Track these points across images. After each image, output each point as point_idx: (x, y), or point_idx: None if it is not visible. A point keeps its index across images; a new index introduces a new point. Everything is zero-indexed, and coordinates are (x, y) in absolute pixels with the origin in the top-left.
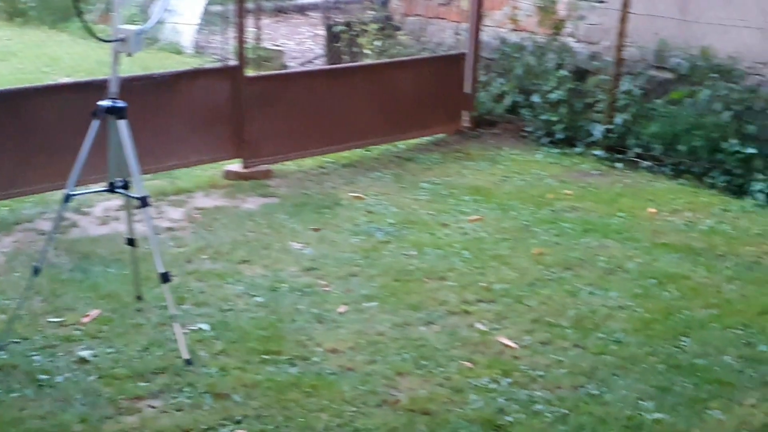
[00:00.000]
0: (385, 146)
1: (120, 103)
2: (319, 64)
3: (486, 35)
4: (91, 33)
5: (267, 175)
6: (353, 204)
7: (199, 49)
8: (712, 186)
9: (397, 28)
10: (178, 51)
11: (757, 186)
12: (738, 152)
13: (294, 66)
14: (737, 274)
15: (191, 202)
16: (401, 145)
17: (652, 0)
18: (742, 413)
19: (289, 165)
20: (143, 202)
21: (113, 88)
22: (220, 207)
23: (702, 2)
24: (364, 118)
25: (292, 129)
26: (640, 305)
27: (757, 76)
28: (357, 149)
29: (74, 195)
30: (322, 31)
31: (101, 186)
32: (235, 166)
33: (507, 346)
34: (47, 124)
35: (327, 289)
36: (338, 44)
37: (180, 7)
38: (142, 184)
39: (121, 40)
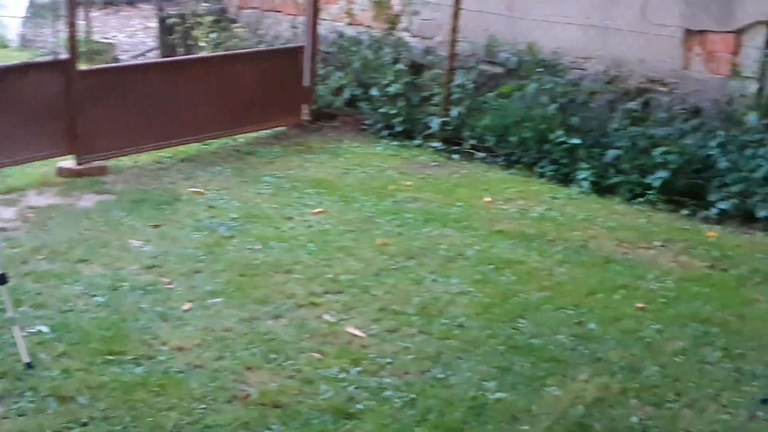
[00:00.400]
0: (224, 140)
1: None
2: (153, 57)
3: (323, 29)
4: None
5: (102, 171)
6: (193, 199)
7: (26, 43)
8: (542, 175)
9: (233, 21)
10: (3, 45)
11: (582, 174)
12: (563, 143)
13: (126, 59)
14: (567, 258)
15: (24, 201)
16: (241, 138)
17: None
18: (576, 388)
19: (125, 161)
20: None
21: None
22: (54, 205)
23: (528, 0)
24: (202, 111)
25: (127, 123)
26: (480, 290)
27: (578, 71)
28: (195, 143)
29: None
30: (154, 24)
31: None
32: (68, 162)
33: (355, 335)
34: None
35: (170, 286)
36: (172, 37)
37: None
38: None
39: None
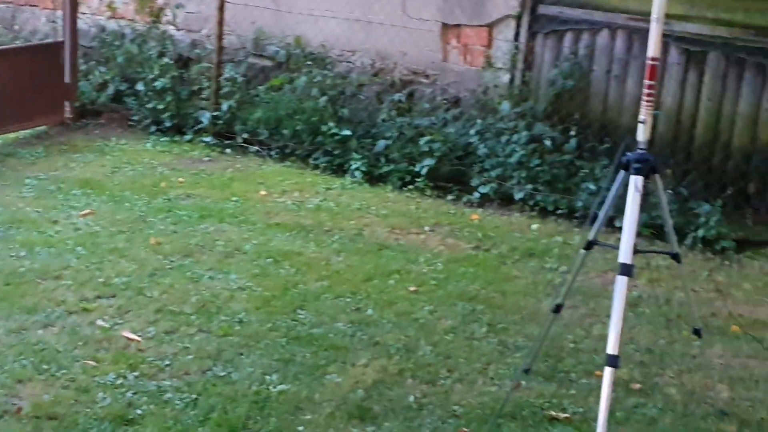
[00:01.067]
0: None
1: None
2: None
3: (83, 23)
4: None
5: None
6: None
7: None
8: (316, 167)
9: None
10: None
11: (354, 165)
12: (335, 134)
13: None
14: (343, 247)
15: None
16: None
17: None
18: (356, 373)
19: None
20: None
21: None
22: None
23: None
24: None
25: None
26: (259, 284)
27: (346, 63)
28: None
29: None
30: None
31: None
32: None
33: (131, 339)
34: None
35: None
36: None
37: None
38: None
39: None
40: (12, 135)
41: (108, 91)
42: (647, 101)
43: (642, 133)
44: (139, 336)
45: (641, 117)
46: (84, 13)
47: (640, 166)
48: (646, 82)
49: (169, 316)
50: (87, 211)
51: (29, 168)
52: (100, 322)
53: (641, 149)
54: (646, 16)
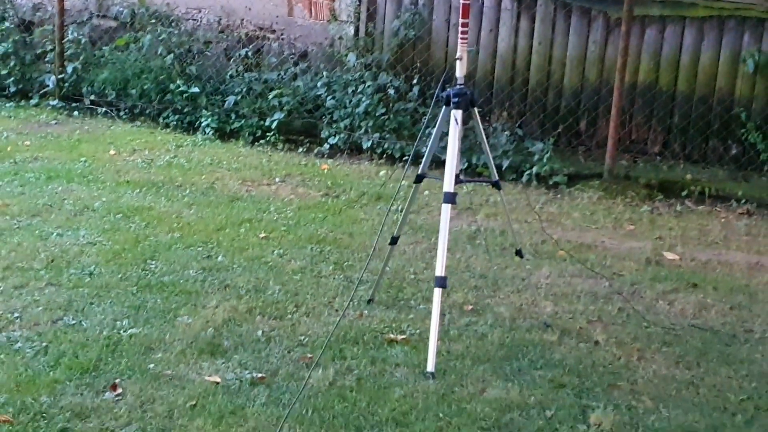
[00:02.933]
0: None
1: None
2: None
3: None
4: None
5: None
6: None
7: None
8: (167, 126)
9: None
10: None
11: (205, 122)
12: (184, 92)
13: None
14: (194, 201)
15: None
16: None
17: None
18: (206, 314)
19: None
20: None
21: None
22: None
23: None
24: None
25: None
26: (110, 239)
27: (192, 21)
28: None
29: None
30: None
31: None
32: None
33: None
34: None
35: None
36: None
37: None
38: None
39: None
40: None
41: None
42: (462, 39)
43: (459, 70)
44: None
45: (458, 54)
46: None
47: (459, 100)
48: (461, 20)
49: (17, 273)
50: None
51: None
52: None
53: (460, 85)
54: None
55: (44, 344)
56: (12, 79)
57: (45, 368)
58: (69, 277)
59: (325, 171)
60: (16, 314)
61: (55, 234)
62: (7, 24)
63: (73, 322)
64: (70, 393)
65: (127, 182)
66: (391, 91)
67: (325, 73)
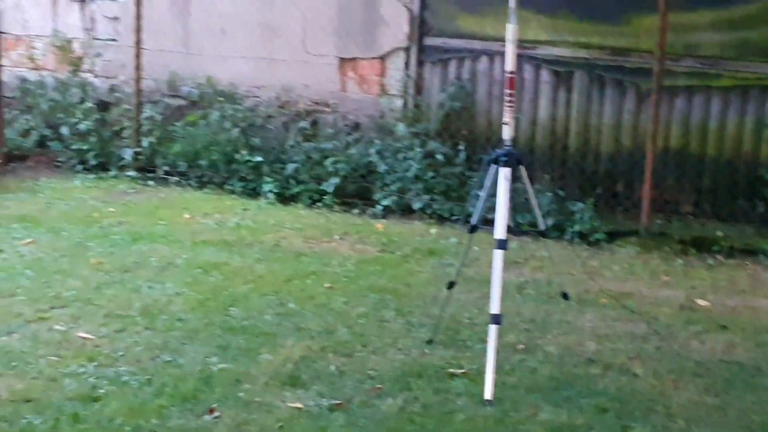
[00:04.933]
0: None
1: None
2: None
3: (4, 75)
4: None
5: None
6: None
7: None
8: (233, 192)
9: None
10: None
11: (267, 187)
12: (248, 161)
13: None
14: (263, 257)
15: None
16: None
17: (159, 37)
18: (284, 352)
19: None
20: None
21: None
22: None
23: (201, 37)
24: None
25: None
26: (193, 290)
27: (254, 98)
28: None
29: None
30: None
31: None
32: None
33: (86, 338)
34: None
35: None
36: None
37: None
38: None
39: None
40: None
41: (33, 137)
42: (509, 106)
43: (506, 133)
44: (93, 336)
45: (505, 119)
46: (4, 66)
47: (507, 159)
48: (506, 91)
49: (117, 319)
50: (29, 240)
51: None
52: (57, 327)
53: (507, 146)
54: (517, 42)
55: (147, 377)
56: (93, 153)
57: (151, 397)
58: (162, 323)
59: (380, 230)
60: (120, 353)
61: (145, 286)
62: (88, 104)
63: (170, 359)
64: (175, 416)
65: (203, 242)
66: (439, 157)
67: (376, 141)
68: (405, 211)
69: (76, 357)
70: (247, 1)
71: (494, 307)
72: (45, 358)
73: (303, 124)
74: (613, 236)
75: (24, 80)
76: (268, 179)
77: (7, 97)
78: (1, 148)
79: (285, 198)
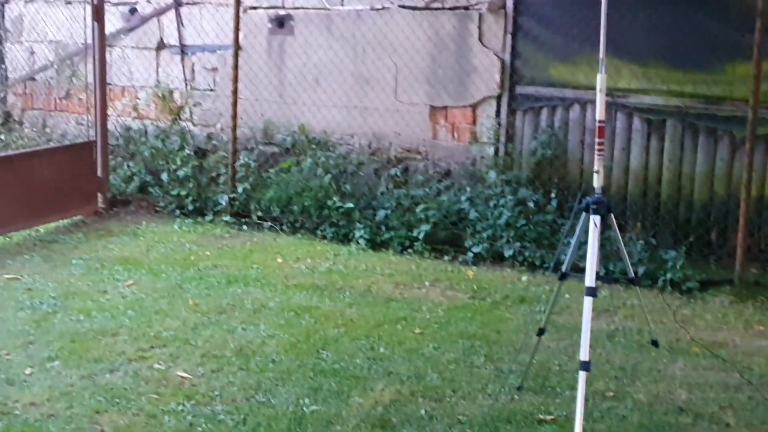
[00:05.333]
0: (26, 232)
1: None
2: None
3: (110, 124)
4: None
5: None
6: (10, 285)
7: None
8: (324, 237)
9: (19, 122)
10: None
11: (359, 233)
12: (340, 207)
13: None
14: (354, 301)
15: None
16: (41, 229)
17: (256, 86)
18: (375, 396)
19: None
20: None
21: None
22: None
23: (297, 87)
24: (2, 206)
25: None
26: (286, 333)
27: (346, 145)
28: None
29: None
30: None
31: None
32: None
33: (184, 378)
34: None
35: (9, 357)
36: None
37: None
38: None
39: None
40: (53, 224)
41: (135, 183)
42: (599, 155)
43: (597, 181)
44: (191, 375)
45: (595, 168)
46: (110, 115)
47: (597, 207)
48: (597, 139)
49: (213, 359)
50: (130, 282)
51: (73, 251)
52: (156, 366)
53: (597, 194)
54: (609, 91)
55: (242, 417)
56: (190, 198)
57: None
58: (256, 363)
59: (471, 276)
60: (216, 392)
61: (239, 328)
62: (186, 151)
63: (264, 399)
64: None
65: (295, 285)
66: (531, 204)
67: (468, 188)
68: (496, 258)
69: (174, 395)
70: (341, 52)
71: (584, 354)
72: (145, 395)
73: (394, 171)
74: (705, 285)
75: (128, 128)
76: (359, 225)
77: (112, 145)
78: (106, 193)
79: (376, 244)
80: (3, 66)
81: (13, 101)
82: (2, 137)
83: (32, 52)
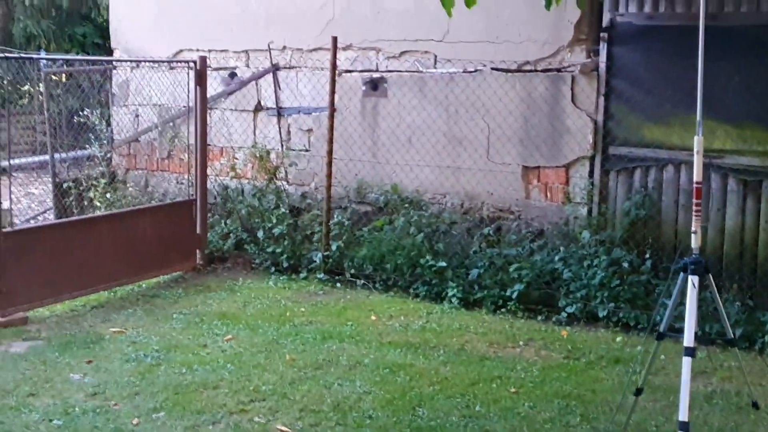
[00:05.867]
0: (129, 287)
1: None
2: (49, 219)
3: (209, 183)
4: None
5: (23, 321)
6: (116, 338)
7: None
8: (417, 295)
9: (123, 182)
10: None
11: (451, 292)
12: (433, 266)
13: (20, 222)
14: (448, 359)
15: None
16: (143, 284)
17: (350, 146)
18: None
19: (42, 311)
20: None
21: None
22: None
23: (390, 147)
24: (109, 262)
25: (45, 277)
26: (381, 389)
27: (438, 205)
28: (103, 291)
29: None
30: (35, 190)
31: None
32: None
33: (284, 431)
34: None
35: (116, 407)
36: (67, 199)
37: None
38: None
39: None
40: (154, 280)
41: (231, 240)
42: (696, 215)
43: (694, 242)
44: (290, 429)
45: (693, 228)
46: (209, 175)
47: (695, 267)
48: (695, 201)
49: (311, 414)
50: (229, 336)
51: (173, 306)
52: (257, 419)
53: (695, 254)
54: (704, 151)
55: None
56: (285, 255)
57: None
58: (353, 419)
59: (564, 336)
60: None
61: (336, 383)
62: (282, 210)
63: None
64: None
65: (389, 343)
66: (625, 265)
67: (561, 248)
68: (589, 318)
69: None
70: (434, 113)
71: (683, 414)
72: None
73: (487, 230)
74: None
75: (225, 187)
76: (452, 284)
77: (210, 203)
78: (204, 250)
79: (468, 303)
80: (109, 128)
81: (118, 161)
82: (108, 196)
83: (137, 115)
